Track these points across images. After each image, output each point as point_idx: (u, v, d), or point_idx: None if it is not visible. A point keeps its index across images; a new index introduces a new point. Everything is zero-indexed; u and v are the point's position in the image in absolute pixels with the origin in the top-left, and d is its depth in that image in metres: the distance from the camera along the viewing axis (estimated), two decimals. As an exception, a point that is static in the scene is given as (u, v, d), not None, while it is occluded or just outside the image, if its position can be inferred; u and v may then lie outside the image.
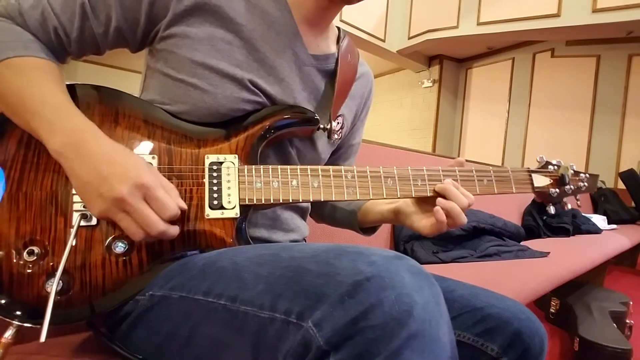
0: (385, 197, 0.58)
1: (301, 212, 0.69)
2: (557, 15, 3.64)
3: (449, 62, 5.49)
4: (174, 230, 0.47)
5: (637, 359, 1.45)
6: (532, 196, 2.33)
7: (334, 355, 0.32)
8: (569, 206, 0.71)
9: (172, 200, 0.46)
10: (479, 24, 4.26)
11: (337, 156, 0.77)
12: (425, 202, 0.61)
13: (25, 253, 0.45)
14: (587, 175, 0.73)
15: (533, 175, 0.68)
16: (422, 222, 0.61)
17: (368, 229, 0.74)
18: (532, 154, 4.68)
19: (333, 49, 0.67)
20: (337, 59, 0.65)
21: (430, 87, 5.52)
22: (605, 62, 4.20)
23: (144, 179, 0.44)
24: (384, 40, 4.82)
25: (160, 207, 0.45)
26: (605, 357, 1.39)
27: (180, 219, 0.50)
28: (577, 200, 0.73)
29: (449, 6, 4.46)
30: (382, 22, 4.78)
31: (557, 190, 0.69)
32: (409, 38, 4.87)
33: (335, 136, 0.67)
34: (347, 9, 4.30)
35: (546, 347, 0.53)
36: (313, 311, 0.34)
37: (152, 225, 0.44)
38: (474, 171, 0.63)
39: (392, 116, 6.22)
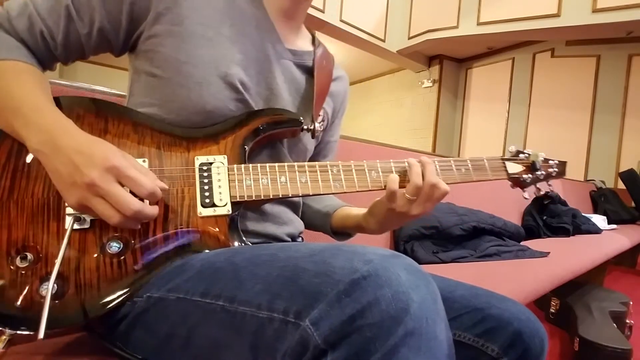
0: (370, 188, 0.61)
1: (293, 207, 0.70)
2: (557, 15, 3.65)
3: (449, 62, 5.49)
4: (151, 210, 0.47)
5: (637, 359, 1.45)
6: (532, 196, 2.34)
7: (331, 354, 0.32)
8: (542, 192, 0.76)
9: (147, 178, 0.46)
10: (479, 24, 4.26)
11: (316, 152, 0.78)
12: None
13: (17, 259, 0.45)
14: (557, 161, 0.78)
15: (507, 163, 0.73)
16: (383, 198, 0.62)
17: (340, 233, 0.76)
18: (532, 154, 4.67)
19: (309, 47, 0.71)
20: (313, 59, 0.68)
21: (430, 87, 5.52)
22: (605, 62, 4.20)
23: (113, 161, 0.44)
24: (384, 40, 4.82)
25: (134, 185, 0.45)
26: (605, 357, 1.39)
27: (174, 219, 0.50)
28: (549, 185, 0.78)
29: (449, 6, 4.46)
30: (382, 22, 4.78)
31: (530, 175, 0.74)
32: (409, 38, 4.87)
33: (318, 127, 0.69)
34: (347, 9, 4.32)
35: (546, 348, 0.53)
36: (310, 310, 0.34)
37: (125, 205, 0.43)
38: (451, 161, 0.67)
39: (392, 116, 6.22)
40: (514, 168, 0.73)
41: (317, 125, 0.65)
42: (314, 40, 0.73)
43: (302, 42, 0.70)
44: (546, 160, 0.76)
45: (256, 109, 0.60)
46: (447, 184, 0.60)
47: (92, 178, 0.43)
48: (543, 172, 0.75)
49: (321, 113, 0.70)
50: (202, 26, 0.56)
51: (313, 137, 0.66)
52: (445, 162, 0.66)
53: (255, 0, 0.62)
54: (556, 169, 0.77)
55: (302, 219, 0.79)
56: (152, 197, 0.46)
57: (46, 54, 0.55)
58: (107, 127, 0.52)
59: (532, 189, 0.76)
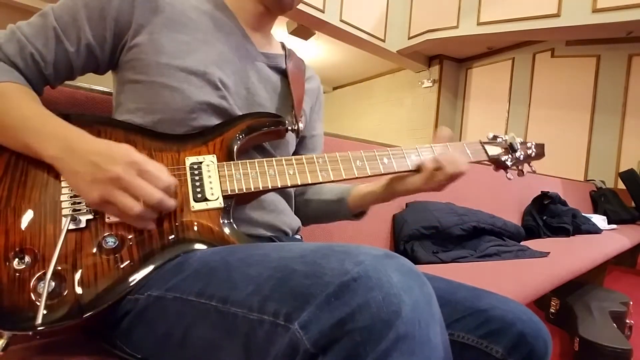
0: (357, 176, 0.64)
1: (286, 197, 0.72)
2: (557, 15, 3.64)
3: (449, 62, 5.49)
4: (171, 201, 0.50)
5: (637, 359, 1.45)
6: (532, 196, 2.34)
7: (321, 357, 0.32)
8: (525, 172, 0.81)
9: (165, 172, 0.50)
10: (479, 24, 4.25)
11: (302, 146, 0.81)
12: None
13: (15, 261, 0.46)
14: (534, 143, 0.82)
15: (486, 146, 0.76)
16: (416, 178, 0.68)
17: (359, 213, 0.80)
18: (532, 154, 4.67)
19: (280, 51, 0.76)
20: (286, 65, 0.73)
21: (430, 87, 5.51)
22: (605, 62, 4.19)
23: (134, 157, 0.48)
24: (384, 40, 4.81)
25: (155, 178, 0.48)
26: (605, 357, 1.39)
27: (167, 214, 0.52)
28: (531, 166, 0.82)
29: (449, 6, 4.46)
30: (382, 22, 4.78)
31: (510, 156, 0.78)
32: (409, 38, 4.86)
33: (302, 127, 0.72)
34: (347, 9, 4.31)
35: (550, 349, 0.53)
36: (300, 313, 0.33)
37: (150, 195, 0.47)
38: (432, 147, 0.71)
39: (392, 116, 6.22)
40: (494, 150, 0.77)
41: (300, 125, 0.68)
42: (283, 46, 0.79)
43: (273, 47, 0.76)
44: (524, 142, 0.81)
45: (235, 105, 0.63)
46: None
47: (117, 172, 0.46)
48: (522, 153, 0.79)
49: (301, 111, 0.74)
50: (179, 33, 0.60)
51: (297, 136, 0.71)
52: (426, 148, 0.70)
53: (226, 11, 0.68)
54: (534, 150, 0.81)
55: (305, 212, 0.81)
56: (168, 190, 0.49)
57: (37, 76, 0.57)
58: (100, 137, 0.54)
59: (514, 170, 0.79)
